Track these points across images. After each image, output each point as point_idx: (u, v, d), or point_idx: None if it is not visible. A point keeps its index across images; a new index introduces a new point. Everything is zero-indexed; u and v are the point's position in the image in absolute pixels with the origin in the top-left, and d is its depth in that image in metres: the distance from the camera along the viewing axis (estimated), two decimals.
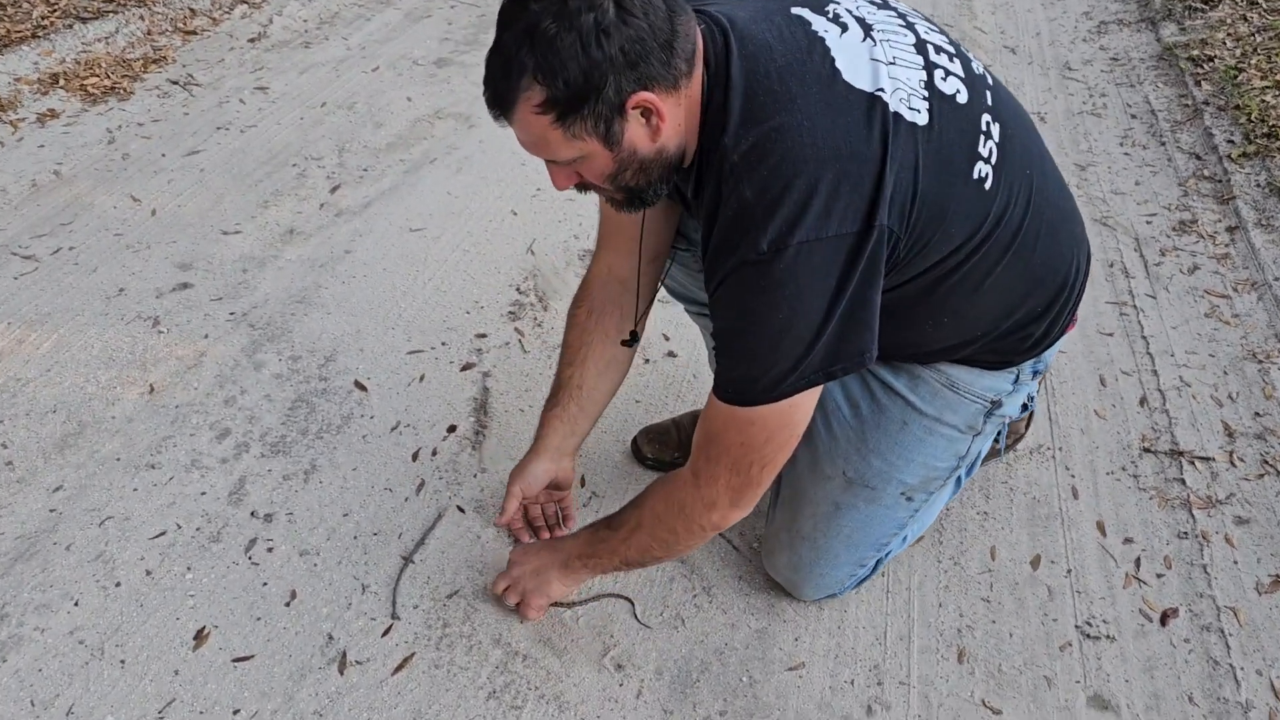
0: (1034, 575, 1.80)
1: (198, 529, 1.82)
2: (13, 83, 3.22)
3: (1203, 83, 3.46)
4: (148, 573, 1.73)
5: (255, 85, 3.44)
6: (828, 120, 1.14)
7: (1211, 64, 3.55)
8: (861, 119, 1.15)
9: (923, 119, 1.20)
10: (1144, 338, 2.39)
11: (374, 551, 1.80)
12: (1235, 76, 3.41)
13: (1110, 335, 2.40)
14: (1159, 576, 1.80)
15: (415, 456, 2.01)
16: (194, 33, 3.73)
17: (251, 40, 3.76)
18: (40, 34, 3.44)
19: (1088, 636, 1.69)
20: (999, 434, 1.95)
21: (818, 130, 1.14)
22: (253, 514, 1.86)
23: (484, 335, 2.35)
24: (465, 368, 2.24)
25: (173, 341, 2.27)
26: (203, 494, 1.90)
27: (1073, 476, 2.01)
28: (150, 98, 3.30)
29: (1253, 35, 3.68)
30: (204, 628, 1.65)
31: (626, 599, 1.72)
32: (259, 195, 2.84)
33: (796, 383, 1.23)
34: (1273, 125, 3.06)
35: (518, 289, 2.52)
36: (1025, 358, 1.52)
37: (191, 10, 3.84)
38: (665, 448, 1.99)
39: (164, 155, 2.99)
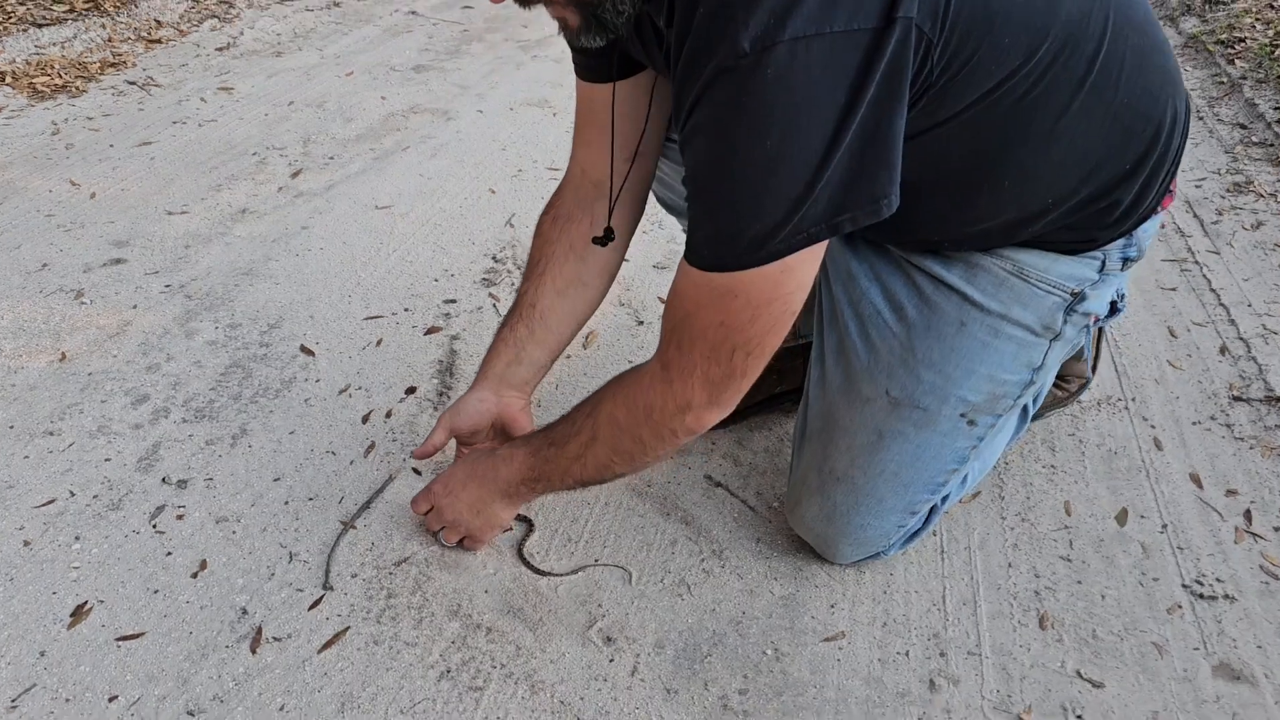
0: (1122, 532, 1.46)
1: (95, 496, 1.49)
2: None
3: (1236, 61, 3.23)
4: (25, 544, 1.40)
5: (219, 86, 3.21)
6: None
7: (1243, 44, 3.32)
8: None
9: None
10: (1213, 290, 2.08)
11: (307, 518, 1.46)
12: (1272, 51, 3.17)
13: (1174, 290, 2.09)
14: (1277, 529, 1.45)
15: (366, 419, 1.68)
16: (158, 42, 3.52)
17: (220, 49, 3.55)
18: None
19: (1200, 597, 1.34)
20: (1080, 351, 1.62)
21: None
22: (164, 480, 1.53)
23: (453, 300, 2.04)
24: (430, 331, 1.93)
25: (95, 312, 1.96)
26: (106, 460, 1.57)
27: (1153, 428, 1.67)
28: (104, 95, 3.06)
29: None
30: (85, 603, 1.30)
31: (621, 568, 1.38)
32: (212, 180, 2.57)
33: (791, 238, 0.92)
34: None
35: (494, 258, 2.22)
36: (1113, 234, 1.20)
37: (158, 21, 3.64)
38: None
39: (112, 146, 2.73)
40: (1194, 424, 1.68)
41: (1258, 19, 3.49)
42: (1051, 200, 1.12)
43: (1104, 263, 1.22)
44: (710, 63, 0.88)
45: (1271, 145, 2.73)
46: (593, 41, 1.02)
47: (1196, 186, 2.57)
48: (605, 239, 1.35)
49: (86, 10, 3.56)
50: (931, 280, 1.24)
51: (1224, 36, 3.45)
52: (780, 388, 1.69)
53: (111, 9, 3.62)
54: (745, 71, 0.85)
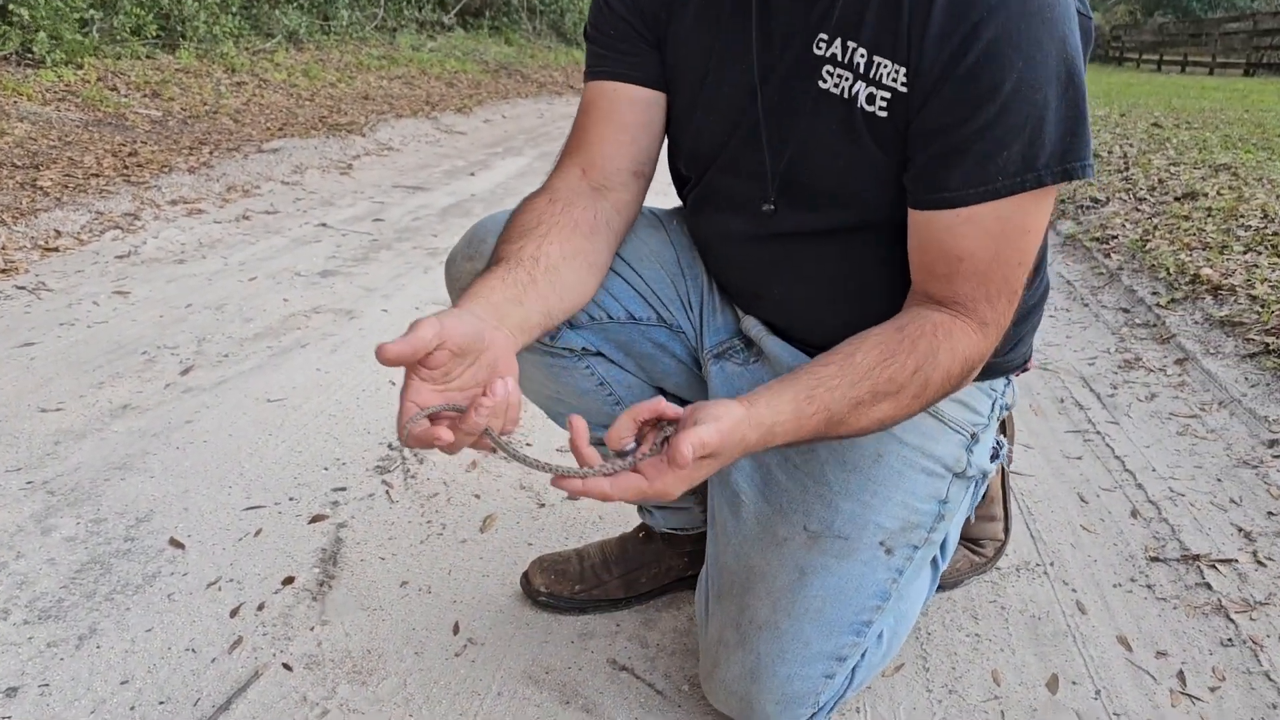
0: (1055, 699, 1.36)
1: None
2: None
3: (1112, 254, 3.41)
4: None
5: (114, 290, 3.14)
6: None
7: (1116, 240, 3.52)
8: None
9: None
10: (1117, 457, 2.08)
11: None
12: (1144, 245, 3.37)
13: (1079, 459, 2.09)
14: (1213, 690, 1.37)
15: (235, 613, 1.52)
16: (55, 250, 3.47)
17: (120, 256, 3.50)
18: None
19: None
20: (990, 511, 1.60)
21: None
22: None
23: (343, 489, 1.92)
24: (315, 520, 1.80)
25: None
26: None
27: (1074, 591, 1.61)
28: None
29: (1150, 219, 3.71)
30: None
31: None
32: (94, 378, 2.45)
33: (1086, 153, 1.01)
34: (1194, 274, 2.96)
35: (390, 445, 2.12)
36: (1005, 364, 1.27)
37: (57, 231, 3.60)
38: (564, 580, 1.55)
39: None
40: (1115, 586, 1.62)
41: (1126, 219, 3.73)
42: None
43: (994, 403, 1.25)
44: None
45: (1154, 325, 2.84)
46: None
47: (1090, 364, 2.64)
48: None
49: None
50: None
51: (1098, 234, 3.67)
52: (691, 571, 1.60)
53: (9, 219, 3.58)
54: None
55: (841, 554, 1.20)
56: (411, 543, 1.74)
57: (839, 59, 1.07)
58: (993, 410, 1.29)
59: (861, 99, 1.06)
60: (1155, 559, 1.70)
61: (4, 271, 3.19)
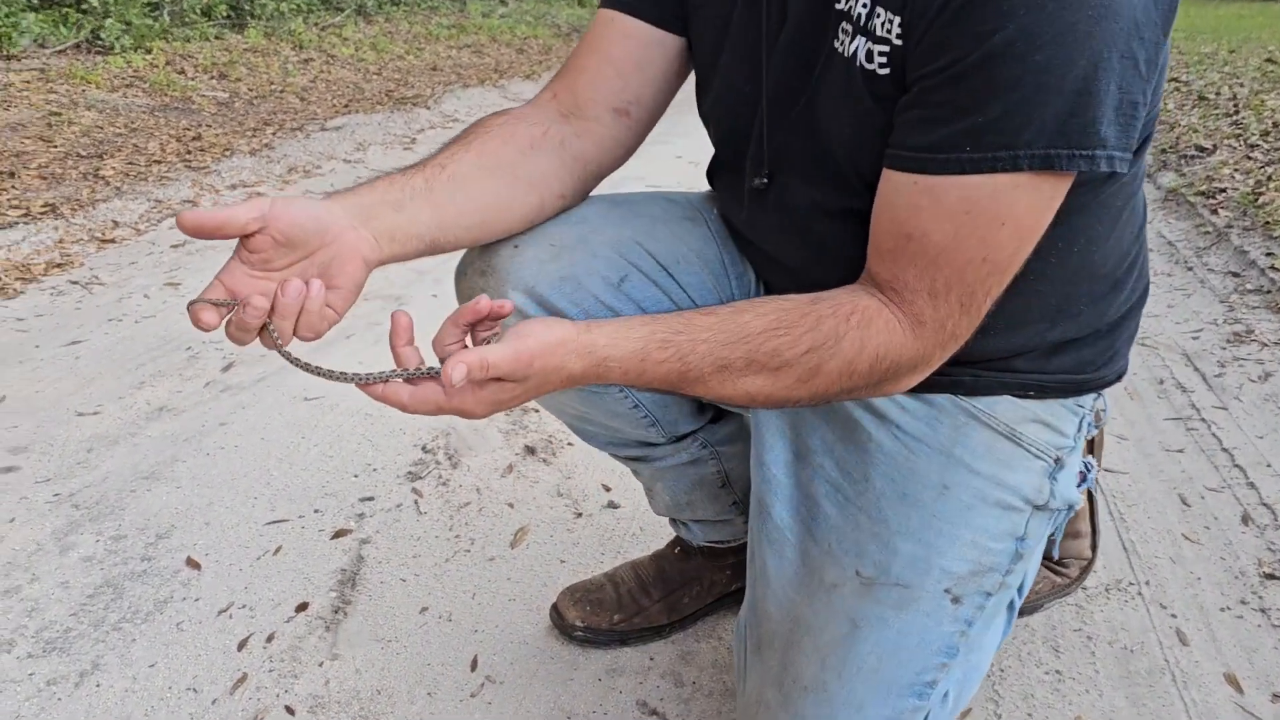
0: None
1: None
2: None
3: (1219, 210, 3.10)
4: None
5: (166, 282, 3.10)
6: None
7: (1224, 194, 3.21)
8: None
9: None
10: (1225, 450, 1.84)
11: None
12: (1256, 199, 3.05)
13: (1180, 452, 1.86)
14: None
15: (242, 645, 1.43)
16: (112, 241, 3.45)
17: (174, 246, 3.47)
18: None
19: None
20: (1076, 528, 1.41)
21: None
22: None
23: (370, 499, 1.82)
24: (338, 535, 1.70)
25: None
26: None
27: (1173, 616, 1.41)
28: (41, 296, 2.94)
29: (1263, 168, 3.37)
30: None
31: None
32: (136, 378, 2.40)
33: (1092, 128, 0.78)
34: None
35: (424, 448, 2.01)
36: (1096, 379, 1.08)
37: (115, 222, 3.58)
38: (601, 611, 1.41)
39: (38, 347, 2.58)
40: (1222, 610, 1.42)
41: (1236, 169, 3.40)
42: (1082, 298, 1.01)
43: (1082, 420, 1.06)
44: None
45: (1269, 292, 2.55)
46: None
47: (1194, 338, 2.38)
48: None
49: (42, 214, 3.51)
50: (903, 440, 1.05)
51: (1203, 188, 3.35)
52: (735, 585, 1.45)
53: (68, 212, 3.58)
54: None
55: (900, 604, 1.03)
56: (436, 561, 1.62)
57: (848, 12, 0.90)
58: (1080, 430, 1.09)
59: (861, 56, 0.88)
60: (1271, 576, 1.48)
61: (59, 266, 3.17)
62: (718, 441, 1.32)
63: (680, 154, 4.56)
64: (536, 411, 2.15)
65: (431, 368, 0.85)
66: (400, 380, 0.85)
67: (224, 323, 0.86)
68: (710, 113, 1.16)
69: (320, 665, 1.38)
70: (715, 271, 1.21)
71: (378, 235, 0.95)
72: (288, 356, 0.87)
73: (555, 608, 1.43)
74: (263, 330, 0.87)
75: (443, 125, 6.14)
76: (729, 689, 1.31)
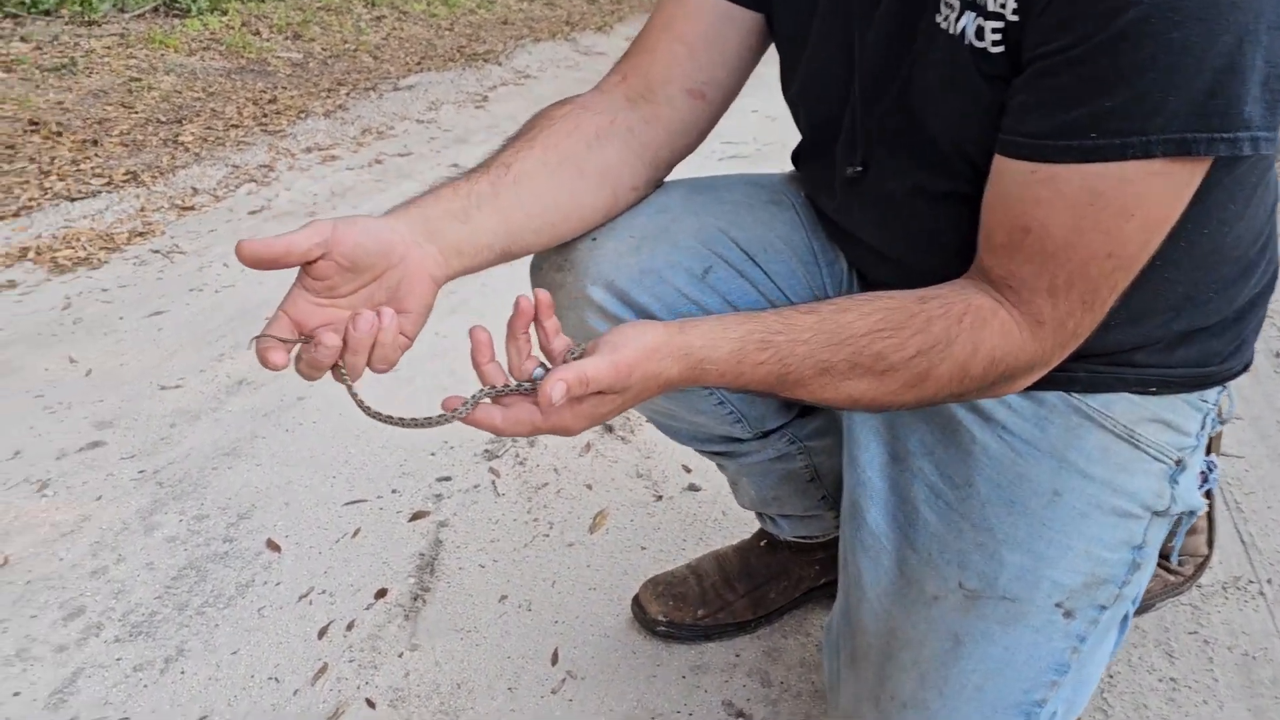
0: None
1: None
2: None
3: None
4: None
5: None
6: None
7: None
8: None
9: None
10: None
11: None
12: None
13: None
14: None
15: (323, 633, 1.42)
16: (192, 208, 3.48)
17: (252, 212, 3.48)
18: (23, 213, 3.21)
19: None
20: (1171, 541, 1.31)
21: None
22: None
23: (448, 479, 1.79)
24: (416, 517, 1.68)
25: (54, 506, 1.76)
26: (14, 695, 1.33)
27: None
28: (125, 266, 2.98)
29: None
30: None
31: None
32: (216, 350, 2.41)
33: (1234, 108, 0.69)
34: None
35: None
36: (1222, 371, 0.98)
37: (194, 189, 3.61)
38: (684, 605, 1.37)
39: (122, 318, 2.61)
40: None
41: None
42: (1211, 284, 0.92)
43: (1205, 417, 0.98)
44: None
45: None
46: None
47: None
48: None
49: (124, 182, 3.55)
50: (1010, 442, 0.97)
51: None
52: (824, 579, 1.39)
53: (149, 179, 3.61)
54: None
55: (1008, 619, 0.96)
56: (515, 546, 1.59)
57: None
58: (1203, 428, 1.00)
59: (970, 32, 0.80)
60: None
61: (141, 235, 3.21)
62: (806, 436, 1.26)
63: (756, 108, 4.42)
64: None
65: (520, 384, 0.80)
66: (487, 401, 0.80)
67: (292, 359, 0.82)
68: (798, 97, 1.08)
69: (400, 656, 1.36)
70: (805, 260, 1.13)
71: (444, 251, 0.90)
72: (355, 396, 0.83)
73: (637, 600, 1.39)
74: (334, 367, 0.82)
75: (515, 82, 6.07)
76: (818, 690, 1.26)
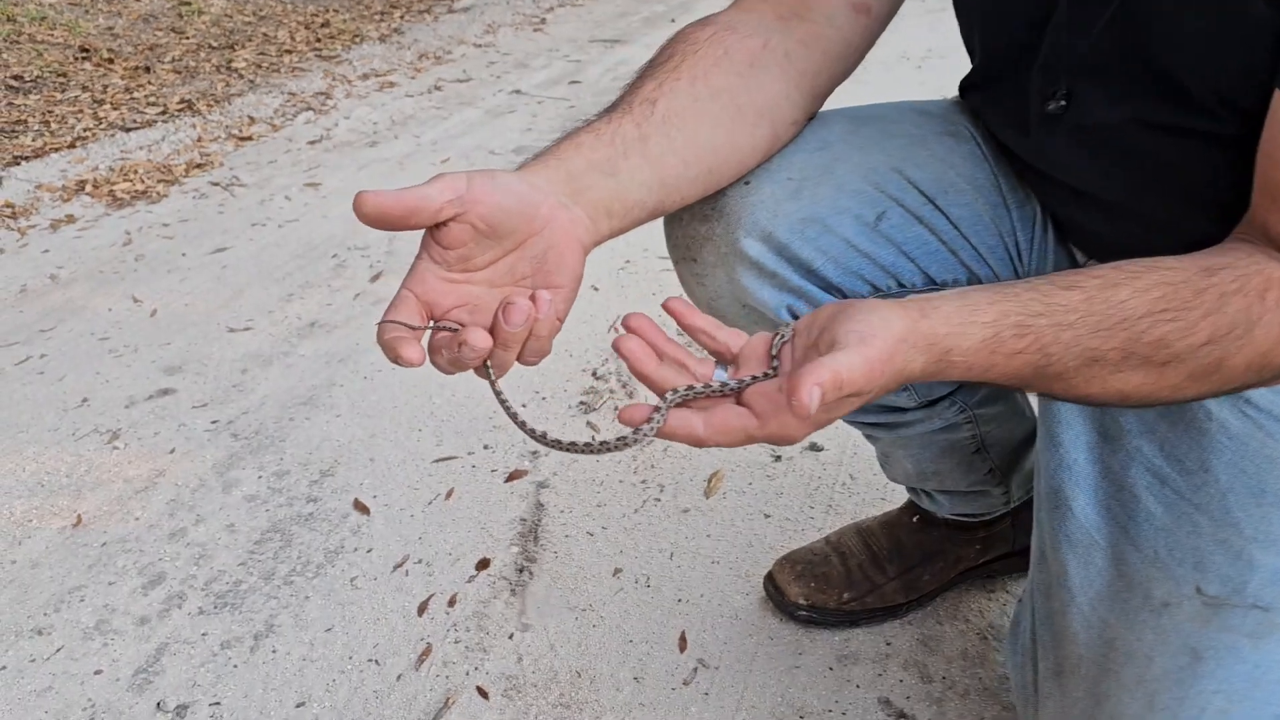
0: None
1: None
2: (32, 190, 2.82)
3: None
4: None
5: (306, 182, 2.97)
6: None
7: None
8: None
9: None
10: None
11: None
12: None
13: None
14: None
15: (423, 609, 1.29)
16: (249, 139, 3.33)
17: (311, 142, 3.33)
18: (78, 144, 3.08)
19: None
20: None
21: None
22: (159, 706, 1.17)
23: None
24: (512, 477, 1.54)
25: (127, 459, 1.66)
26: (96, 674, 1.22)
27: None
28: (184, 199, 2.85)
29: None
30: None
31: None
32: (284, 289, 2.28)
33: None
34: None
35: (594, 374, 1.83)
36: None
37: (251, 118, 3.46)
38: (828, 588, 1.22)
39: (184, 255, 2.49)
40: None
41: None
42: None
43: None
44: None
45: None
46: None
47: None
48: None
49: (179, 111, 3.41)
50: (1256, 419, 0.82)
51: None
52: (984, 558, 1.24)
53: (204, 108, 3.47)
54: None
55: (1258, 631, 0.80)
56: (624, 511, 1.45)
57: None
58: None
59: None
60: None
61: (200, 166, 3.07)
62: (976, 403, 1.09)
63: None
64: None
65: (728, 384, 0.64)
66: (672, 405, 0.64)
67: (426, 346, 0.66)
68: (975, 12, 0.89)
69: (510, 638, 1.23)
70: (991, 201, 0.96)
71: (593, 212, 0.74)
72: (507, 407, 0.68)
73: (772, 580, 1.24)
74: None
75: (572, 3, 5.82)
76: (987, 688, 1.11)
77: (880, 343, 0.59)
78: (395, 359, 0.63)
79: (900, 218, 0.93)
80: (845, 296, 0.95)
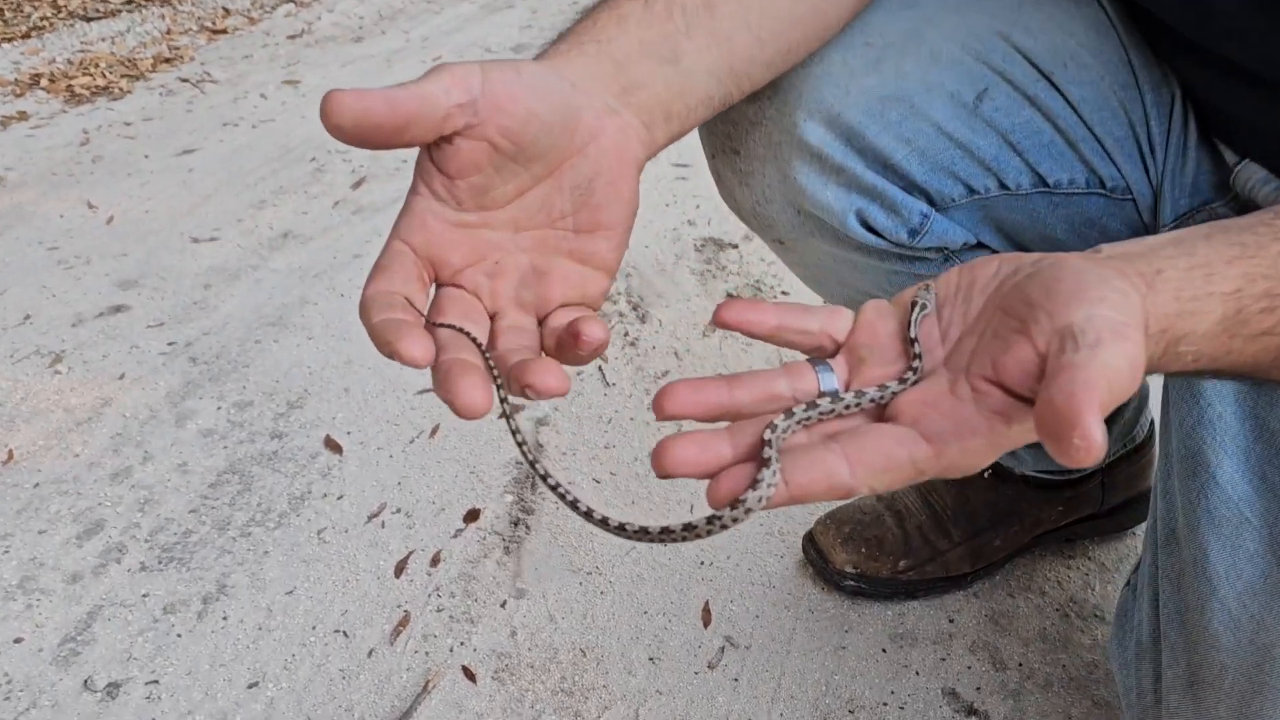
0: None
1: None
2: None
3: None
4: None
5: (284, 80, 2.71)
6: None
7: None
8: None
9: None
10: None
11: None
12: None
13: None
14: None
15: (400, 569, 1.10)
16: (224, 31, 3.06)
17: (291, 37, 3.05)
18: (34, 33, 2.81)
19: None
20: None
21: None
22: (87, 684, 0.99)
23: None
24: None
25: (69, 385, 1.45)
26: (16, 642, 1.04)
27: None
28: (150, 96, 2.59)
29: None
30: None
31: None
32: (256, 195, 2.05)
33: None
34: None
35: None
36: None
37: (225, 10, 3.18)
38: (881, 555, 1.02)
39: (147, 156, 2.25)
40: None
41: None
42: None
43: None
44: None
45: None
46: None
47: None
48: None
49: (147, 0, 3.13)
50: None
51: None
52: (1065, 520, 1.04)
53: None
54: None
55: None
56: (636, 455, 1.26)
57: None
58: None
59: None
60: None
61: (168, 61, 2.81)
62: None
63: None
64: (734, 247, 1.73)
65: (866, 395, 0.40)
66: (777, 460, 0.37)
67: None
68: None
69: (503, 606, 1.05)
70: (1120, 79, 0.73)
71: (648, 116, 0.53)
72: (528, 455, 0.46)
73: (814, 543, 1.05)
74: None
75: None
76: (1073, 678, 0.93)
77: (1136, 334, 0.36)
78: (391, 354, 0.43)
79: (1006, 97, 0.71)
80: (932, 200, 0.74)
